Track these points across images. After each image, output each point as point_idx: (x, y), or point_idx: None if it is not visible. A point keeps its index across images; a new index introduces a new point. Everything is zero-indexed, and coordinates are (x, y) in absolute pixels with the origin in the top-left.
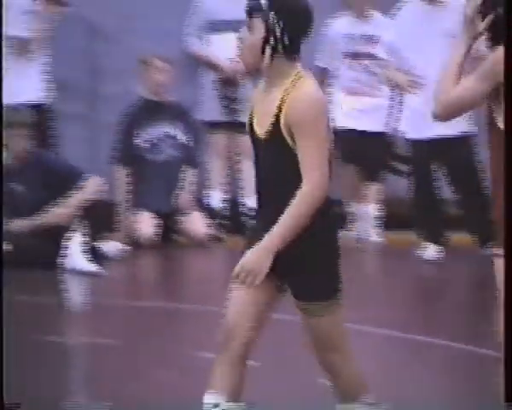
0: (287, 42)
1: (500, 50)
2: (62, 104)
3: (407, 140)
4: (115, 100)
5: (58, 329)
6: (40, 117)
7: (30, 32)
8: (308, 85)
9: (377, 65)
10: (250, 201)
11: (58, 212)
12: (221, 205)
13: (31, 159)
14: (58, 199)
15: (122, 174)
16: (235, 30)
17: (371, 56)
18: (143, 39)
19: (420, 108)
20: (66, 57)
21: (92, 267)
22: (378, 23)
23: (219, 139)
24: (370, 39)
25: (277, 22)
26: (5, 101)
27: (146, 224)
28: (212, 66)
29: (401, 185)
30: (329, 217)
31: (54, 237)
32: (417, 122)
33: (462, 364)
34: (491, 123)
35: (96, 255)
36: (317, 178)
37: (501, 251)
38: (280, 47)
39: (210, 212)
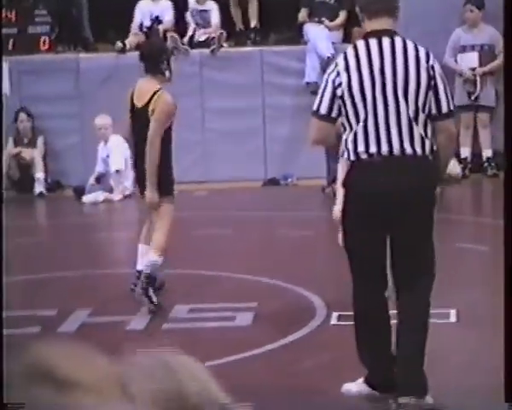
0: None
1: None
2: None
3: None
4: None
5: None
6: None
7: None
8: None
9: None
10: (486, 153)
11: None
12: (467, 155)
13: None
14: None
15: None
16: (473, 50)
17: None
18: None
19: None
20: None
21: None
22: None
23: (464, 117)
24: None
25: None
26: None
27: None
28: (459, 72)
29: None
30: None
31: None
32: None
33: None
34: None
35: None
36: None
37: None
38: None
39: (461, 160)
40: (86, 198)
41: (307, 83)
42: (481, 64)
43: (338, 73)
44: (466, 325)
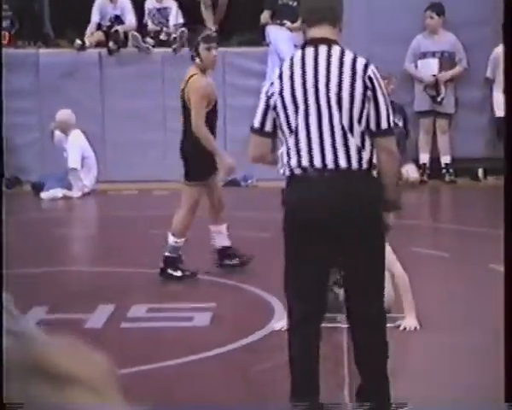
0: None
1: None
2: None
3: None
4: None
5: None
6: None
7: None
8: None
9: None
10: (444, 159)
11: None
12: (426, 161)
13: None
14: None
15: None
16: (434, 57)
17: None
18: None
19: None
20: None
21: None
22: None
23: (423, 122)
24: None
25: None
26: None
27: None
28: (419, 78)
29: None
30: None
31: None
32: None
33: None
34: None
35: None
36: None
37: None
38: None
39: (420, 166)
40: (44, 194)
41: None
42: (441, 71)
43: (272, 83)
44: (423, 330)
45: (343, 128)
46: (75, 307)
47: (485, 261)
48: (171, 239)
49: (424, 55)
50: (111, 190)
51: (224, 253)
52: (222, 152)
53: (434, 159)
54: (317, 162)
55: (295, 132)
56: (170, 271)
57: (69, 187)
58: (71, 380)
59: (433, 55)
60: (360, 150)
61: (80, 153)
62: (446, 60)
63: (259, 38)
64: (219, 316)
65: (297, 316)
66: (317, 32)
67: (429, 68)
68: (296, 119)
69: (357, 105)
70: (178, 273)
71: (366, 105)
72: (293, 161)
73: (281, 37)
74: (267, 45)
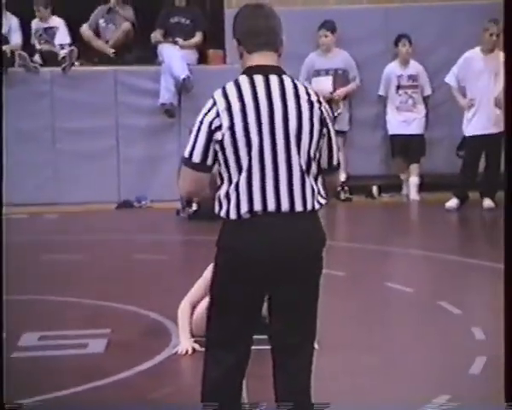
0: None
1: None
2: None
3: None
4: None
5: None
6: None
7: None
8: None
9: (416, 93)
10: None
11: None
12: None
13: None
14: None
15: None
16: (327, 74)
17: (413, 87)
18: None
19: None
20: None
21: None
22: (415, 66)
23: None
24: (411, 77)
25: None
26: None
27: None
28: None
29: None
30: None
31: None
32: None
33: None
34: None
35: None
36: None
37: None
38: None
39: None
40: None
41: (162, 104)
42: (335, 88)
43: (217, 114)
44: (327, 351)
45: (301, 169)
46: None
47: (381, 279)
48: None
49: (318, 73)
50: None
51: None
52: None
53: None
54: (271, 206)
55: (247, 172)
56: None
57: None
58: None
59: (327, 72)
60: (314, 190)
61: None
62: (340, 77)
63: (151, 57)
64: (115, 342)
65: (222, 366)
66: (260, 58)
67: (323, 86)
68: (249, 157)
69: (315, 143)
70: None
71: (321, 142)
72: (243, 204)
73: (174, 55)
74: (159, 64)
